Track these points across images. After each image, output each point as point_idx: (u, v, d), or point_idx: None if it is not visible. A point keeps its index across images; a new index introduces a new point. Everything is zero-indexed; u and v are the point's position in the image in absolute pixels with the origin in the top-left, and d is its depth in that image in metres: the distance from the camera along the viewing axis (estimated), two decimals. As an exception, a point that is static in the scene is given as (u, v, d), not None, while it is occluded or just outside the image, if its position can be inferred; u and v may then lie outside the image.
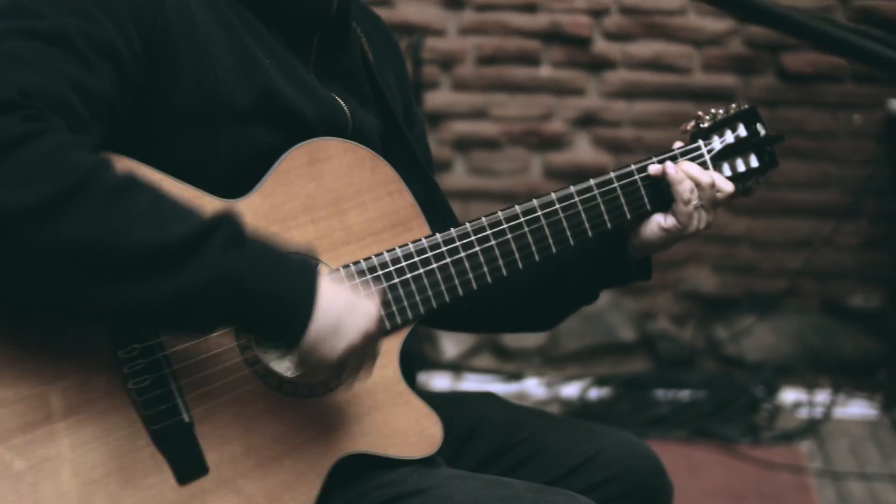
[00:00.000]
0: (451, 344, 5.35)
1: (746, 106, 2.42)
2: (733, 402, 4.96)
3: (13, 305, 1.69)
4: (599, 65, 5.27)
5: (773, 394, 5.10)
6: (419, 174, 2.23)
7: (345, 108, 2.10)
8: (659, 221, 2.30)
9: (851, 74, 5.19)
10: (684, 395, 5.06)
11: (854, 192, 5.23)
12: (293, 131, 1.99)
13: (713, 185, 2.27)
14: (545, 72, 5.28)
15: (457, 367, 5.36)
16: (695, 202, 2.26)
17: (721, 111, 2.39)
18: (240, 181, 1.94)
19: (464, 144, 5.33)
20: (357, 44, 2.23)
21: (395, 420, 2.06)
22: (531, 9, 5.23)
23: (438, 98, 5.29)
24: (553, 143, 5.32)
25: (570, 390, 5.22)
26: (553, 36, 5.24)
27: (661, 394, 5.08)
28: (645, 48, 5.24)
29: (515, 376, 5.34)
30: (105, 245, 1.63)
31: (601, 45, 5.25)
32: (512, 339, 5.39)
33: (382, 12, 5.07)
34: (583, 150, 5.32)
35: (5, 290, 1.65)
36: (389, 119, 2.26)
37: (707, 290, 5.38)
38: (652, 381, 5.17)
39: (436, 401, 2.12)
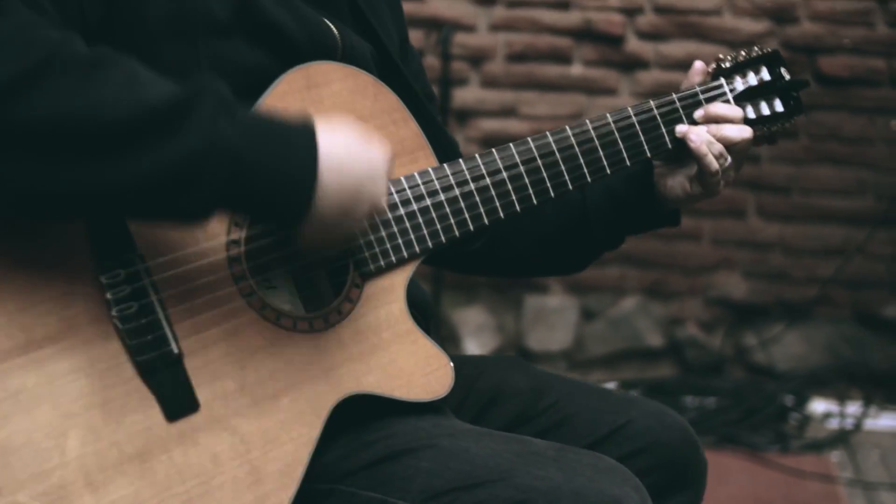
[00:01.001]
0: (473, 345, 5.27)
1: (769, 49, 2.33)
2: (762, 410, 4.86)
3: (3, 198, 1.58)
4: (632, 64, 5.18)
5: (803, 403, 4.99)
6: (417, 108, 2.09)
7: (333, 29, 2.01)
8: (684, 186, 2.24)
9: (889, 78, 5.09)
10: (711, 402, 4.97)
11: (889, 199, 5.12)
12: (278, 49, 1.90)
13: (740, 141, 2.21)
14: (576, 70, 5.21)
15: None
16: (723, 168, 2.21)
17: (743, 52, 2.30)
18: None
19: (492, 142, 5.25)
20: None
21: (402, 359, 1.95)
22: (563, 6, 5.16)
23: (467, 95, 5.22)
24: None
25: (595, 395, 5.12)
26: (585, 34, 5.17)
27: (688, 401, 4.98)
28: (678, 48, 5.16)
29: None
30: (89, 117, 1.53)
31: (634, 44, 5.17)
32: (537, 342, 5.31)
33: (411, 6, 5.08)
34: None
35: None
36: (381, 50, 2.16)
37: (737, 296, 5.29)
38: (679, 386, 5.07)
39: (456, 363, 2.01)
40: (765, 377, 5.20)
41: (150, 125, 1.56)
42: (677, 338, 5.31)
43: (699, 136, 2.19)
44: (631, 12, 5.15)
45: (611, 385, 5.12)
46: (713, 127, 2.22)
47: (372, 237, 1.94)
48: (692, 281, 5.28)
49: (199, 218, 1.67)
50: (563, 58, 5.20)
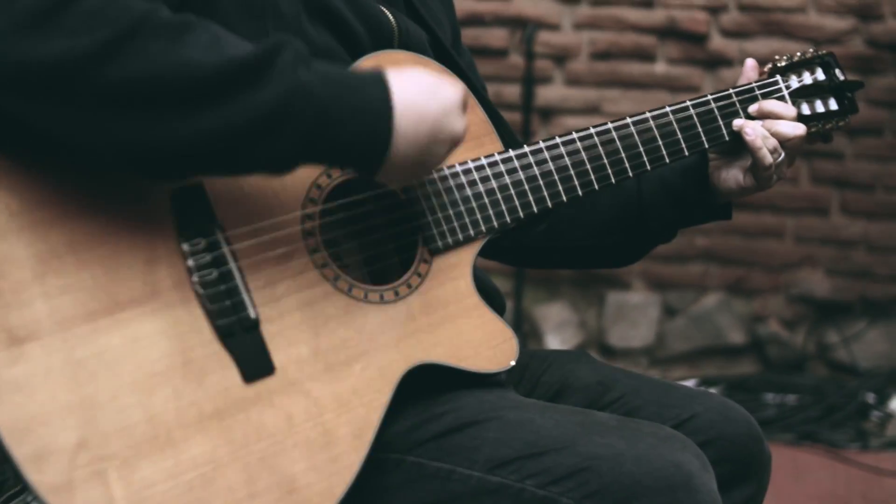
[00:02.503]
0: (555, 340, 5.30)
1: (824, 51, 2.39)
2: (842, 408, 4.84)
3: (91, 161, 1.70)
4: (715, 62, 5.20)
5: (884, 401, 4.97)
6: (477, 97, 2.17)
7: (389, 16, 2.09)
8: (738, 178, 2.30)
9: (976, 77, 5.06)
10: (791, 399, 4.96)
11: (976, 197, 5.09)
12: (340, 35, 1.99)
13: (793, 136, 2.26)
14: (660, 68, 5.24)
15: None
16: (776, 162, 2.26)
17: (798, 53, 2.36)
18: None
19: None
20: None
21: (469, 332, 2.02)
22: (648, 4, 5.19)
23: (551, 93, 5.27)
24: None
25: (676, 391, 5.13)
26: (669, 32, 5.20)
27: (769, 398, 4.98)
28: (763, 46, 5.16)
29: (620, 375, 5.24)
30: (181, 73, 1.64)
31: (718, 42, 5.19)
32: (618, 339, 5.33)
33: (496, 5, 5.15)
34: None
35: (84, 144, 1.66)
36: (435, 40, 2.24)
37: (820, 293, 5.28)
38: (761, 384, 5.07)
39: (524, 358, 2.07)
40: (846, 375, 5.18)
41: (238, 76, 1.67)
42: (759, 335, 5.31)
43: (755, 130, 2.25)
44: (715, 10, 5.17)
45: (691, 382, 5.13)
46: (768, 122, 2.27)
47: (440, 215, 2.02)
48: (775, 278, 5.27)
49: (286, 165, 1.76)
50: (647, 56, 5.23)
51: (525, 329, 5.22)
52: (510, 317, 4.88)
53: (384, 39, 2.06)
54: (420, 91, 1.82)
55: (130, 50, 1.62)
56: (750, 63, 2.36)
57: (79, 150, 1.68)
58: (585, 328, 5.39)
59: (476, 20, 5.20)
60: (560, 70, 5.28)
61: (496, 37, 5.25)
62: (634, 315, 5.34)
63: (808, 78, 2.35)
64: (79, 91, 1.62)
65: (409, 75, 1.83)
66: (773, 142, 2.25)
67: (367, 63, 2.00)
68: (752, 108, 2.29)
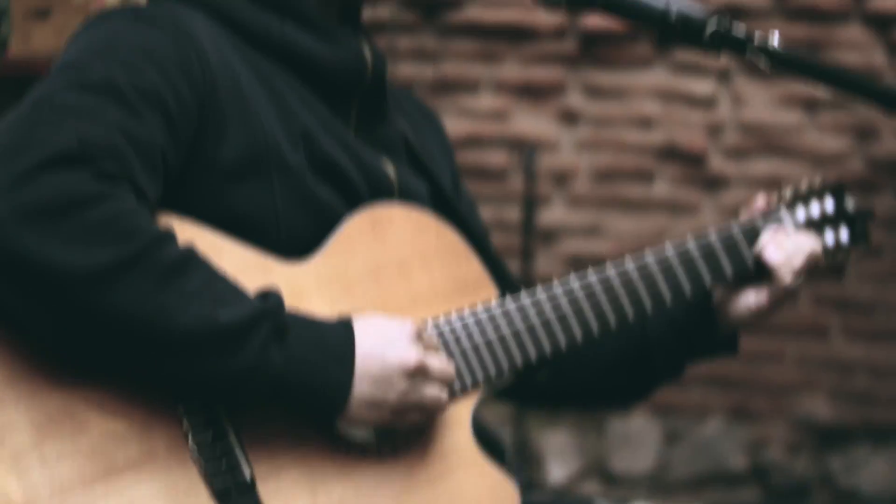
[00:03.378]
0: (557, 467, 5.26)
1: (833, 182, 2.34)
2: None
3: (71, 356, 1.74)
4: (715, 183, 5.20)
5: (891, 529, 4.92)
6: (474, 244, 2.17)
7: (389, 170, 2.10)
8: (748, 303, 2.25)
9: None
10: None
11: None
12: (341, 188, 2.00)
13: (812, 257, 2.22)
14: (659, 189, 5.23)
15: (561, 492, 5.25)
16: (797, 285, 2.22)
17: (806, 184, 2.31)
18: (302, 236, 1.95)
19: (576, 263, 5.26)
20: (397, 115, 2.23)
21: (469, 487, 1.98)
22: (646, 125, 5.20)
23: (551, 215, 5.26)
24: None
25: (678, 518, 5.10)
26: (668, 153, 5.20)
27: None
28: (762, 166, 5.17)
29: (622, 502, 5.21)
30: (154, 322, 1.69)
31: (717, 163, 5.19)
32: (620, 464, 5.28)
33: (495, 126, 5.16)
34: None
35: (46, 340, 1.72)
36: (436, 190, 2.24)
37: (822, 418, 5.23)
38: (763, 511, 5.03)
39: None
40: (851, 502, 5.12)
41: (209, 342, 1.73)
42: (761, 461, 5.26)
43: (775, 252, 2.20)
44: (714, 130, 5.18)
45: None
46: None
47: None
48: (776, 402, 5.23)
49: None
50: (646, 176, 5.23)
51: (526, 454, 5.16)
52: (511, 439, 4.84)
53: (384, 194, 2.07)
54: (381, 376, 1.85)
55: (121, 285, 1.67)
56: (758, 200, 2.31)
57: (42, 341, 1.73)
58: (587, 454, 5.34)
59: (475, 142, 5.21)
60: (560, 191, 5.28)
61: (495, 158, 5.26)
62: (636, 441, 5.29)
63: (815, 210, 2.30)
64: (57, 301, 1.66)
65: (379, 355, 1.85)
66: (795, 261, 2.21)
67: (362, 217, 2.00)
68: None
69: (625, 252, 2.17)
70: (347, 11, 2.10)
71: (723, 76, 5.20)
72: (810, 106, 5.17)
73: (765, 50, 1.53)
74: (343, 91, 2.08)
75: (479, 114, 5.27)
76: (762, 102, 5.18)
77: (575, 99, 5.24)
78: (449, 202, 2.23)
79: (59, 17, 2.98)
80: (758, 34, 1.55)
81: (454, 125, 5.10)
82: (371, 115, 2.13)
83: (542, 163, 5.18)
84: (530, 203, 4.86)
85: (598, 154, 5.25)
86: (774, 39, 1.52)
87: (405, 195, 2.10)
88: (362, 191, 2.02)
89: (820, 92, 5.08)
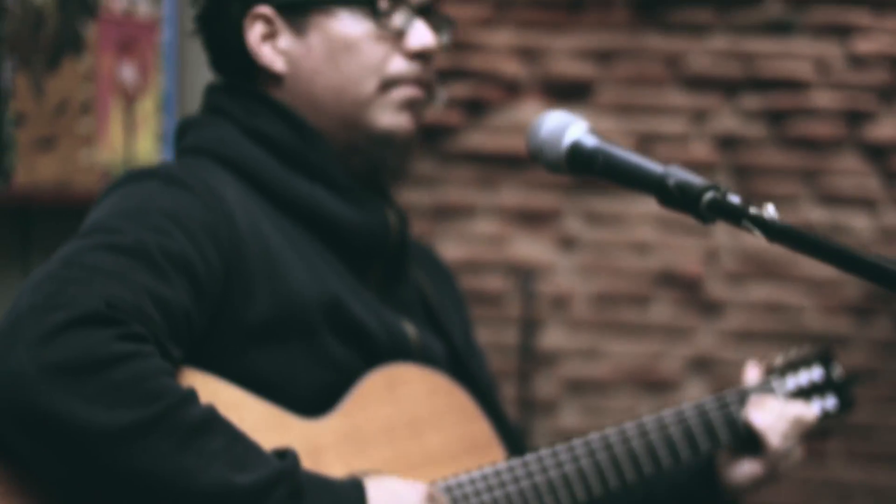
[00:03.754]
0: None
1: (821, 348, 2.44)
2: None
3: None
4: (711, 307, 5.23)
5: None
6: (483, 401, 2.25)
7: (409, 331, 2.16)
8: (745, 472, 2.32)
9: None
10: None
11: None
12: (363, 346, 2.06)
13: (800, 422, 2.30)
14: (657, 314, 5.26)
15: None
16: (788, 449, 2.32)
17: (794, 352, 2.40)
18: (321, 394, 2.00)
19: (575, 387, 5.28)
20: (416, 269, 2.31)
21: None
22: (643, 251, 5.24)
23: (549, 339, 5.28)
24: (664, 386, 5.26)
25: None
26: (666, 278, 5.24)
27: None
28: (758, 292, 5.20)
29: None
30: (174, 482, 1.67)
31: (713, 288, 5.23)
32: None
33: (493, 250, 5.20)
34: (695, 394, 5.24)
35: (79, 496, 1.72)
36: (451, 348, 2.31)
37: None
38: None
39: None
40: None
41: (224, 501, 1.71)
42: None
43: (762, 420, 2.28)
44: (710, 256, 5.22)
45: None
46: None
47: None
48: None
49: None
50: (643, 301, 5.26)
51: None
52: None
53: (403, 355, 2.12)
54: None
55: (142, 445, 1.66)
56: (750, 370, 2.38)
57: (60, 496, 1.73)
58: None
59: (473, 266, 5.24)
60: (558, 315, 5.30)
61: (493, 283, 5.29)
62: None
63: (804, 379, 2.38)
64: (77, 458, 1.65)
65: None
66: (784, 426, 2.29)
67: (377, 377, 2.05)
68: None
69: (621, 375, 2.22)
70: (373, 177, 2.16)
71: (718, 202, 5.23)
72: (805, 231, 5.20)
73: (759, 222, 1.57)
74: (367, 254, 2.14)
75: (477, 239, 5.32)
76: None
77: (573, 225, 5.29)
78: (462, 361, 2.29)
79: (63, 147, 3.01)
80: (752, 208, 1.59)
81: (453, 250, 5.16)
82: (392, 277, 2.20)
83: (540, 287, 5.22)
84: (528, 326, 4.89)
85: (595, 279, 5.29)
86: (770, 211, 1.57)
87: (424, 356, 2.16)
88: (384, 351, 2.08)
89: (814, 218, 5.14)
